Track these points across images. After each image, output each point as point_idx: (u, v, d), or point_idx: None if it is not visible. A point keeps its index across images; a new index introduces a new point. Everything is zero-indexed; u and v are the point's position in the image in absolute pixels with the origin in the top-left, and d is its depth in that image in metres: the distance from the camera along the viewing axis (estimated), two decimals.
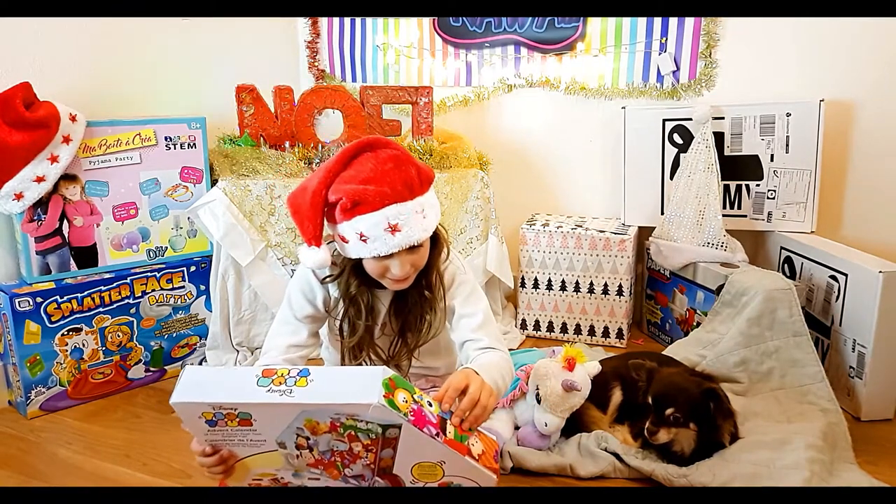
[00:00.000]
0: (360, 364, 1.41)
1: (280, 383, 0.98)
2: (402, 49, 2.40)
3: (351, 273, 1.33)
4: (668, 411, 1.36)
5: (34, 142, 1.58)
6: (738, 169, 1.98)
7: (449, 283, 1.37)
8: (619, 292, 2.03)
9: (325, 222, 1.25)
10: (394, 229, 1.20)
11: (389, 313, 1.40)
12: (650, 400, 1.39)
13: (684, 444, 1.38)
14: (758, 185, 1.97)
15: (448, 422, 1.05)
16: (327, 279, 1.36)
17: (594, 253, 2.03)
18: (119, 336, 1.77)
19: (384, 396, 0.95)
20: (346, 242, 1.25)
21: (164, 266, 1.84)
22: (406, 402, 0.98)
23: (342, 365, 1.42)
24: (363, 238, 1.21)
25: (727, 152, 1.97)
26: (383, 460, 1.05)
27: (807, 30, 1.90)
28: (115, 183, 1.77)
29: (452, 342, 1.42)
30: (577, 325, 2.11)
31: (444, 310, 1.36)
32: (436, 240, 1.32)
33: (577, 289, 2.07)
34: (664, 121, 2.03)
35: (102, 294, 1.72)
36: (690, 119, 1.96)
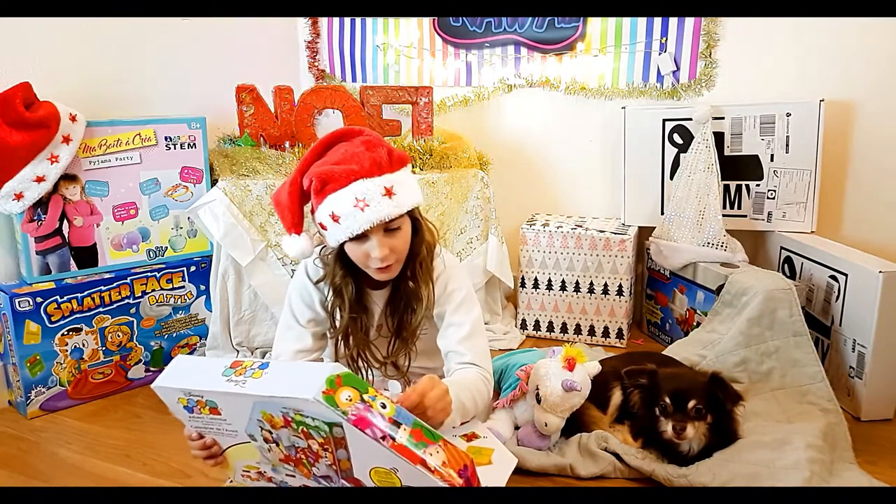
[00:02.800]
0: (359, 367, 1.41)
1: (240, 374, 1.01)
2: (402, 49, 2.40)
3: (337, 263, 1.34)
4: (691, 404, 1.35)
5: (34, 142, 1.58)
6: (738, 169, 1.98)
7: (441, 290, 1.37)
8: (619, 292, 2.03)
9: (311, 216, 1.29)
10: (363, 204, 1.21)
11: (385, 314, 1.40)
12: (667, 399, 1.37)
13: (693, 442, 1.37)
14: (758, 185, 1.97)
15: (402, 426, 1.00)
16: (320, 281, 1.37)
17: (594, 253, 2.03)
18: (119, 336, 1.77)
19: (324, 392, 0.94)
20: (325, 230, 1.27)
21: (164, 266, 1.84)
22: (350, 400, 0.96)
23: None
24: (336, 219, 1.23)
25: (727, 152, 1.97)
26: (342, 462, 1.04)
27: (807, 30, 1.90)
28: (115, 183, 1.77)
29: None
30: (577, 325, 2.11)
31: (430, 298, 1.36)
32: (417, 229, 1.33)
33: (577, 289, 2.07)
34: (664, 121, 2.03)
35: (102, 294, 1.72)
36: (690, 119, 1.96)
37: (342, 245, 1.29)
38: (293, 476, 1.12)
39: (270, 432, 1.04)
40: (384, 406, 1.00)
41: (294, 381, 0.98)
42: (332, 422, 0.97)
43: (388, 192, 1.23)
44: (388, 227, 1.26)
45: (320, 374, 0.96)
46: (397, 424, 0.99)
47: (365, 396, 0.98)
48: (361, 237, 1.25)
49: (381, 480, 1.04)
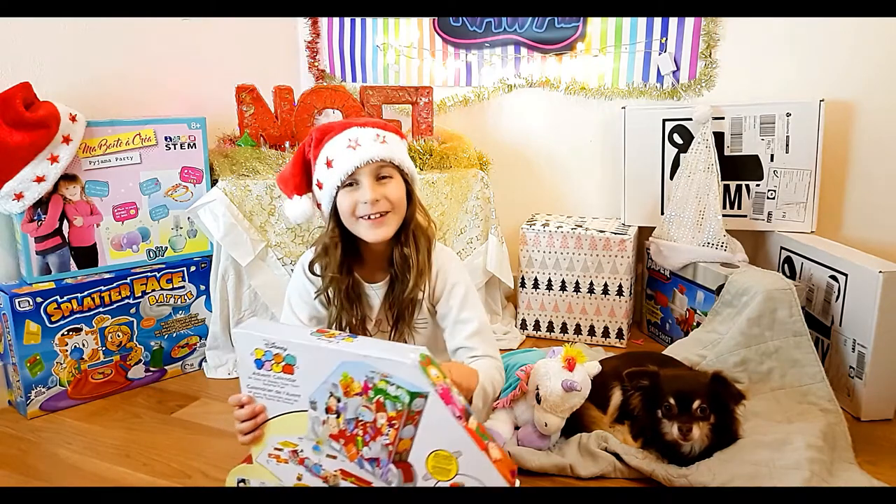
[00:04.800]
0: None
1: (330, 337, 1.09)
2: (402, 49, 2.40)
3: (332, 221, 1.36)
4: (696, 404, 1.35)
5: (34, 142, 1.58)
6: (738, 169, 1.98)
7: (442, 285, 1.39)
8: (619, 292, 2.03)
9: (315, 191, 1.35)
10: (354, 144, 1.28)
11: (384, 307, 1.41)
12: (671, 400, 1.37)
13: (695, 443, 1.37)
14: (758, 185, 1.97)
15: (471, 416, 1.07)
16: (313, 265, 1.38)
17: (594, 253, 2.03)
18: (119, 336, 1.77)
19: (420, 363, 1.02)
20: (321, 188, 1.32)
21: (164, 266, 1.84)
22: (437, 377, 1.04)
23: None
24: (329, 164, 1.30)
25: (727, 152, 1.97)
26: (402, 441, 1.07)
27: (807, 30, 1.90)
28: (115, 183, 1.77)
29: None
30: (577, 325, 2.11)
31: (426, 274, 1.38)
32: (410, 196, 1.37)
33: (577, 289, 2.07)
34: (664, 121, 2.03)
35: (102, 294, 1.72)
36: (690, 119, 1.96)
37: (336, 211, 1.32)
38: (334, 457, 1.12)
39: (339, 399, 1.08)
40: (457, 393, 1.08)
41: (388, 350, 1.07)
42: (418, 391, 1.03)
43: (382, 140, 1.30)
44: (379, 175, 1.30)
45: (412, 349, 1.05)
46: (468, 413, 1.07)
47: (446, 379, 1.06)
48: (353, 186, 1.30)
49: (435, 467, 1.08)
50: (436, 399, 1.03)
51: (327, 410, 1.09)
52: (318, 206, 1.37)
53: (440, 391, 1.03)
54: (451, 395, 1.04)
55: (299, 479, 1.16)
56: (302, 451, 1.15)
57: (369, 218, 1.30)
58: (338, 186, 1.29)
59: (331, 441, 1.11)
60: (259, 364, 1.11)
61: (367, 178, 1.29)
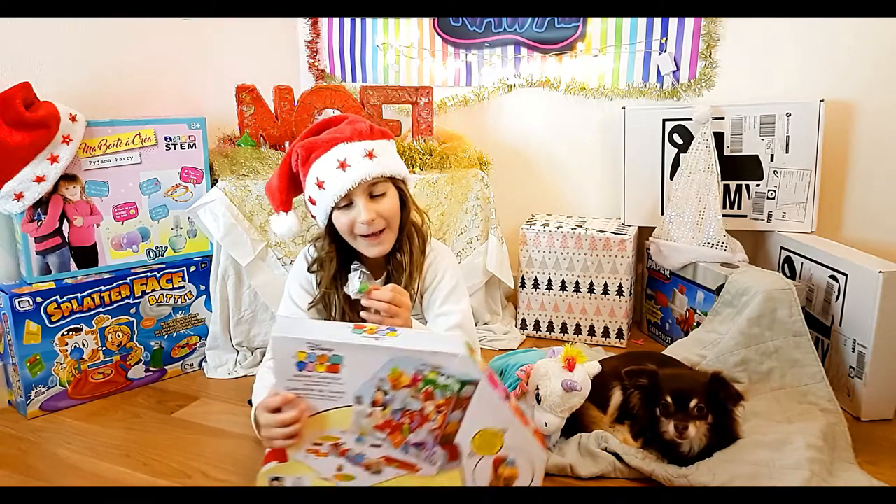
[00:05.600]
0: None
1: (371, 333, 1.07)
2: (402, 49, 2.40)
3: (327, 238, 1.37)
4: (693, 403, 1.35)
5: (34, 142, 1.58)
6: (738, 169, 1.98)
7: (432, 277, 1.41)
8: (619, 292, 2.03)
9: (303, 199, 1.34)
10: (343, 166, 1.27)
11: None
12: (668, 398, 1.37)
13: (694, 442, 1.37)
14: (758, 185, 1.97)
15: (511, 394, 1.12)
16: (312, 267, 1.39)
17: (594, 253, 2.03)
18: (119, 336, 1.77)
19: (468, 353, 1.04)
20: (314, 204, 1.31)
21: (164, 266, 1.84)
22: (481, 363, 1.07)
23: None
24: (321, 185, 1.28)
25: (727, 152, 1.97)
26: (450, 425, 1.09)
27: (807, 30, 1.90)
28: (115, 183, 1.77)
29: None
30: (577, 325, 2.11)
31: (419, 273, 1.39)
32: (404, 203, 1.37)
33: (577, 289, 2.07)
34: (664, 121, 2.03)
35: (102, 294, 1.72)
36: (690, 119, 1.96)
37: (332, 225, 1.32)
38: (378, 446, 1.12)
39: (386, 393, 1.07)
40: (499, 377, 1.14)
41: (435, 342, 1.08)
42: (469, 379, 1.05)
43: (370, 155, 1.29)
44: (372, 193, 1.30)
45: (456, 339, 1.07)
46: (508, 393, 1.13)
47: (487, 365, 1.09)
48: (348, 205, 1.29)
49: (480, 444, 1.12)
50: (485, 384, 1.05)
51: (373, 403, 1.08)
52: (313, 216, 1.38)
53: (487, 376, 1.06)
54: (495, 377, 1.08)
55: (339, 469, 1.14)
56: (344, 443, 1.13)
57: (366, 236, 1.32)
58: (332, 207, 1.30)
59: (375, 432, 1.11)
60: (301, 366, 1.07)
61: (361, 198, 1.29)
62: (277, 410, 1.10)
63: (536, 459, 1.18)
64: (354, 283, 1.26)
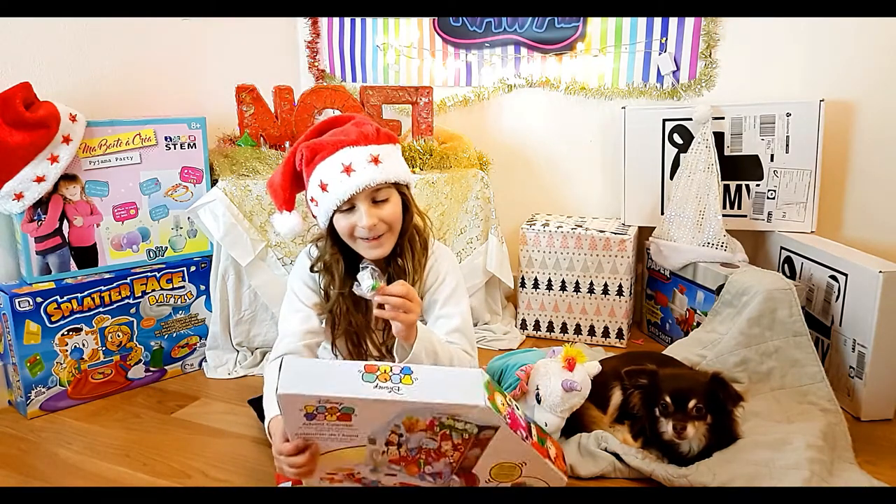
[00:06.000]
0: (361, 353, 1.43)
1: (385, 380, 0.99)
2: (402, 49, 2.40)
3: (328, 240, 1.37)
4: (692, 404, 1.35)
5: (34, 142, 1.58)
6: (738, 169, 1.98)
7: (433, 279, 1.40)
8: (619, 292, 2.03)
9: (305, 198, 1.33)
10: (347, 170, 1.26)
11: None
12: (668, 398, 1.37)
13: (693, 442, 1.37)
14: (758, 185, 1.97)
15: (532, 426, 1.09)
16: (315, 267, 1.39)
17: (594, 253, 2.03)
18: (119, 336, 1.77)
19: (488, 399, 0.98)
20: (316, 205, 1.31)
21: (164, 266, 1.84)
22: (503, 405, 1.01)
23: (340, 357, 1.44)
24: (324, 187, 1.27)
25: (727, 152, 1.97)
26: (467, 459, 1.07)
27: (807, 30, 1.90)
28: (115, 183, 1.76)
29: None
30: (577, 325, 2.11)
31: (419, 276, 1.38)
32: (407, 208, 1.37)
33: (577, 289, 2.07)
34: (664, 121, 2.03)
35: (102, 294, 1.72)
36: (690, 119, 1.96)
37: (333, 225, 1.32)
38: (393, 475, 1.11)
39: (401, 435, 1.03)
40: (517, 407, 1.08)
41: (454, 389, 0.99)
42: (488, 425, 1.00)
43: (375, 160, 1.27)
44: (375, 199, 1.29)
45: (475, 381, 1.00)
46: (530, 425, 1.10)
47: (507, 400, 1.05)
48: (350, 209, 1.29)
49: (499, 474, 1.11)
50: (506, 429, 1.01)
51: (388, 443, 1.04)
52: (314, 216, 1.37)
53: (509, 421, 1.01)
54: (516, 417, 1.04)
55: None
56: (359, 472, 1.11)
57: (366, 239, 1.31)
58: (334, 210, 1.29)
59: (391, 465, 1.09)
60: (311, 417, 1.00)
61: (364, 204, 1.28)
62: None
63: (554, 484, 1.18)
64: (367, 281, 1.22)
